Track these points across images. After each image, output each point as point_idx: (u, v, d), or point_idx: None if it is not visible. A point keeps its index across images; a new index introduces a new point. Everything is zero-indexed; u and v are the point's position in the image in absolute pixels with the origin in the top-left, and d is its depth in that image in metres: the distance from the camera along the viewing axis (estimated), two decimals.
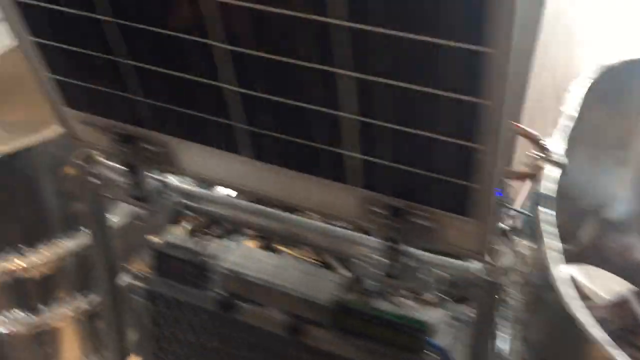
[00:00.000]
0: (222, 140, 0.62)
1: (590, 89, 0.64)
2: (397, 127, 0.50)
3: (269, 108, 0.55)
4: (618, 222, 0.70)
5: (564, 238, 0.69)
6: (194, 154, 0.66)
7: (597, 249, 0.71)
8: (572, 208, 0.68)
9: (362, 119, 0.51)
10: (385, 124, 0.50)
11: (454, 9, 0.40)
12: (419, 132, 0.49)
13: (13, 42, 0.67)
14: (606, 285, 0.74)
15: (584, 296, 0.77)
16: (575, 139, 0.62)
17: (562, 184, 0.64)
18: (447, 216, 0.53)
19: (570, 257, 0.71)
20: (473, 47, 0.41)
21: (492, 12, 0.38)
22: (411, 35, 0.43)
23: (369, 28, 0.44)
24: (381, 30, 0.44)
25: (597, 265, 0.72)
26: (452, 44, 0.42)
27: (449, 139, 0.48)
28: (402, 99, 0.48)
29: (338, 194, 0.58)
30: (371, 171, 0.55)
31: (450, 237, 0.54)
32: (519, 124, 0.57)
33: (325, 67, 0.49)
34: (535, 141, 0.58)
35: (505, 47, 0.39)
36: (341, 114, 0.52)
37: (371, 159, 0.54)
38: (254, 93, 0.55)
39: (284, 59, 0.50)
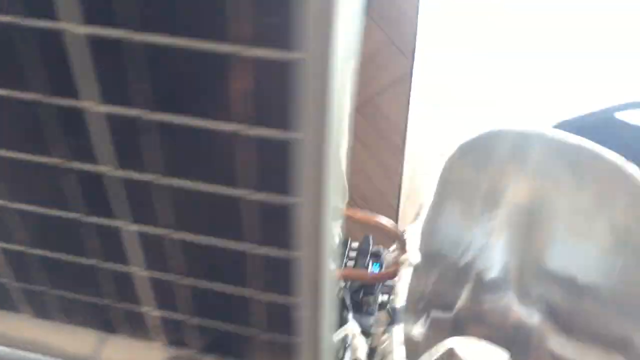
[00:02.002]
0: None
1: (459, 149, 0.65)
2: (191, 282, 0.44)
3: (51, 266, 0.47)
4: (495, 282, 0.73)
5: (443, 305, 0.71)
6: None
7: (476, 312, 0.73)
8: (447, 271, 0.70)
9: (150, 274, 0.45)
10: (179, 280, 0.44)
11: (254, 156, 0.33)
12: (216, 286, 0.43)
13: None
14: (487, 357, 0.78)
15: None
16: (444, 196, 0.62)
17: (436, 244, 0.65)
18: None
19: (452, 324, 0.73)
20: (275, 199, 0.35)
21: (297, 161, 0.32)
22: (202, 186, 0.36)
23: (143, 178, 0.37)
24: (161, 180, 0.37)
25: (477, 327, 0.75)
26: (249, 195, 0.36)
27: (256, 294, 0.42)
28: (192, 251, 0.42)
29: (144, 352, 0.51)
30: (175, 327, 0.49)
31: None
32: (378, 220, 0.55)
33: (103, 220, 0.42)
34: (397, 237, 0.57)
35: (315, 197, 0.33)
36: (126, 269, 0.45)
37: (170, 315, 0.48)
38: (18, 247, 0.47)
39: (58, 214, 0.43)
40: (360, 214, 0.60)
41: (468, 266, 0.71)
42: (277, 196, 0.34)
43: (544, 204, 0.67)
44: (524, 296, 0.72)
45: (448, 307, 0.71)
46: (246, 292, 0.41)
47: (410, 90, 1.17)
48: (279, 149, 0.32)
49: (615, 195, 0.62)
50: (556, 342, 0.70)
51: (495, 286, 0.72)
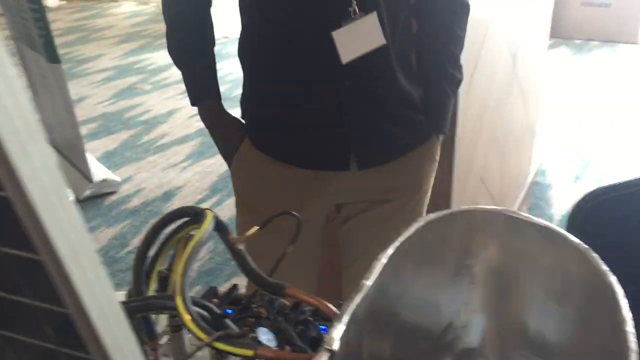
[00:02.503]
0: None
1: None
2: None
3: None
4: (475, 350, 0.70)
5: None
6: None
7: None
8: (423, 345, 0.68)
9: None
10: None
11: None
12: None
13: None
14: None
15: None
16: (405, 260, 0.61)
17: (391, 307, 0.64)
18: None
19: None
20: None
21: None
22: None
23: None
24: None
25: None
26: None
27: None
28: None
29: None
30: None
31: None
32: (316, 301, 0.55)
33: None
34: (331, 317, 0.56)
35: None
36: None
37: None
38: None
39: None
40: (301, 295, 0.62)
41: (451, 342, 0.69)
42: None
43: (518, 266, 0.65)
44: None
45: None
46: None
47: None
48: None
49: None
50: None
51: (477, 357, 0.69)
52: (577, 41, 5.39)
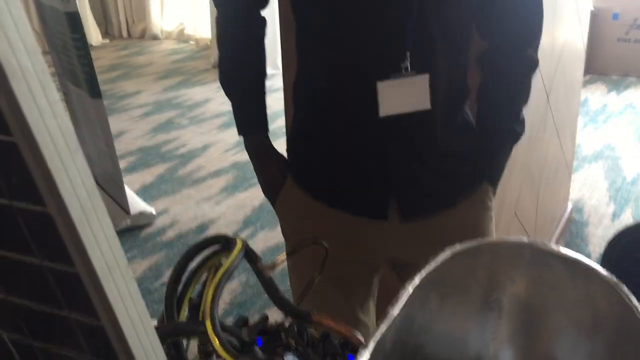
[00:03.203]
0: None
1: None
2: None
3: None
4: None
5: None
6: None
7: None
8: None
9: None
10: None
11: None
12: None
13: None
14: None
15: None
16: (428, 290, 0.61)
17: (414, 338, 0.63)
18: None
19: None
20: None
21: None
22: None
23: None
24: None
25: None
26: None
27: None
28: None
29: None
30: None
31: None
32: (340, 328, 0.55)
33: None
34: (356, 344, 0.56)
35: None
36: None
37: None
38: None
39: None
40: (328, 321, 0.62)
41: None
42: None
43: (547, 299, 0.65)
44: None
45: None
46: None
47: None
48: None
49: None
50: None
51: None
52: (614, 77, 5.34)
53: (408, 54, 1.00)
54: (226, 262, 0.62)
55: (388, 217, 1.12)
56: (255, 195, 3.29)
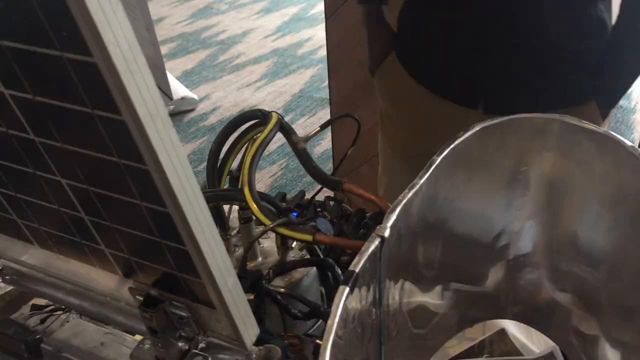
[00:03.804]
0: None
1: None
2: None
3: None
4: (526, 259, 0.70)
5: (466, 280, 0.70)
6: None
7: (510, 289, 0.71)
8: (473, 250, 0.68)
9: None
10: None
11: None
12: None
13: None
14: (535, 340, 0.76)
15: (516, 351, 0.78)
16: (455, 168, 0.60)
17: (438, 214, 0.63)
18: (197, 306, 0.51)
19: (483, 299, 0.71)
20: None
21: None
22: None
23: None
24: None
25: (513, 304, 0.72)
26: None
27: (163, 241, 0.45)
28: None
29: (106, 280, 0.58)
30: (126, 263, 0.54)
31: (212, 327, 0.52)
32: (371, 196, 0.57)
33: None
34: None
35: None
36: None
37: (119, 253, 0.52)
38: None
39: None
40: (358, 189, 0.66)
41: (503, 249, 0.72)
42: None
43: (573, 173, 0.66)
44: (554, 274, 0.71)
45: (473, 281, 0.72)
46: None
47: None
48: None
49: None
50: (580, 319, 0.68)
51: (527, 264, 0.72)
52: None
53: None
54: (262, 134, 0.65)
55: (477, 105, 1.08)
56: (295, 82, 3.30)
